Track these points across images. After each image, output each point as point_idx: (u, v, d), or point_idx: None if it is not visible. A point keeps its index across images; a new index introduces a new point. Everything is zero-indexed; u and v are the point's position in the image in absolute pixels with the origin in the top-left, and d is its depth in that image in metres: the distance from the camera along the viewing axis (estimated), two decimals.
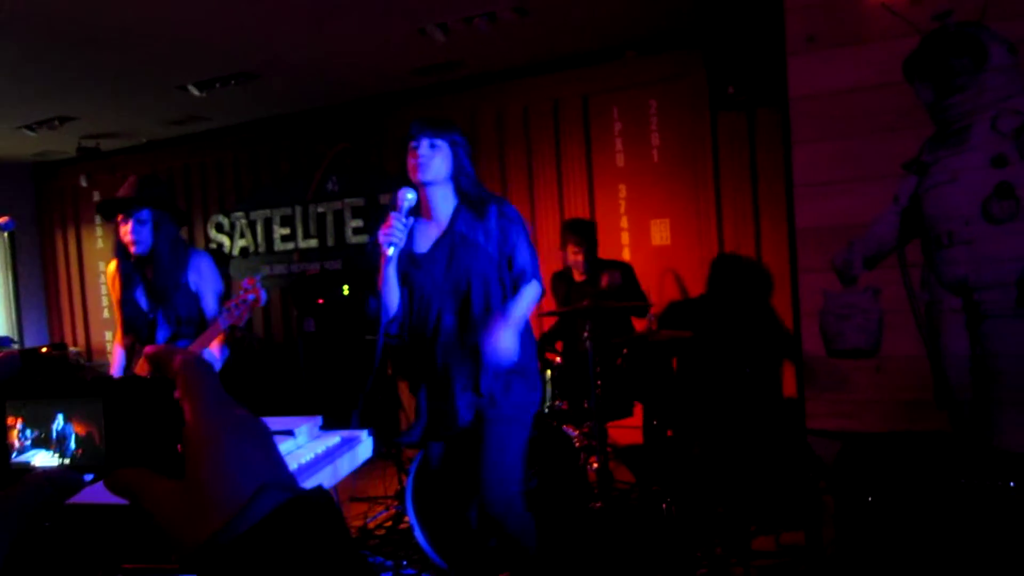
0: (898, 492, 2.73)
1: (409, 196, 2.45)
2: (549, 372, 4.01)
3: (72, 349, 8.04)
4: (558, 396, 4.05)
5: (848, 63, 3.03)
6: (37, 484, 0.51)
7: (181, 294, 3.10)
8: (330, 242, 6.96)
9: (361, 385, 2.49)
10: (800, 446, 3.20)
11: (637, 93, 5.65)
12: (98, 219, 8.11)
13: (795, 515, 3.66)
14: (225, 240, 7.43)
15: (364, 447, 2.47)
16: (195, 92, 5.76)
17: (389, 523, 4.16)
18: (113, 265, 3.20)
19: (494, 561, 3.22)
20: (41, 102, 5.96)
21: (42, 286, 8.59)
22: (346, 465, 2.30)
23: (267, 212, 7.24)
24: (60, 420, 0.54)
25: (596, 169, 5.84)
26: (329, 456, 2.25)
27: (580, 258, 4.62)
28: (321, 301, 6.03)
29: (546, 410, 3.95)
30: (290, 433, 2.22)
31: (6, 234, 3.24)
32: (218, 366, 3.05)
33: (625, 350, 4.32)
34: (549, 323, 5.12)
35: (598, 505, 3.81)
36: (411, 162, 2.55)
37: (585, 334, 3.83)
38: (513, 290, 2.61)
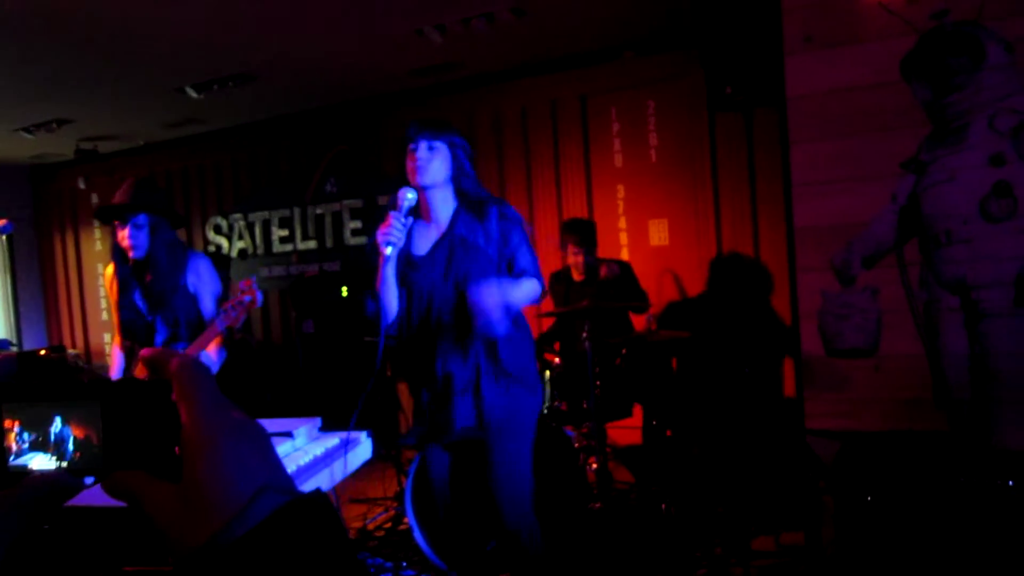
0: (897, 491, 2.73)
1: (409, 196, 2.43)
2: (548, 373, 4.01)
3: (71, 351, 8.03)
4: (557, 397, 4.05)
5: (845, 62, 3.04)
6: (35, 486, 0.51)
7: (179, 296, 3.10)
8: (329, 243, 6.96)
9: (360, 386, 2.47)
10: (799, 446, 3.20)
11: (635, 93, 5.65)
12: (96, 221, 8.11)
13: (794, 515, 3.66)
14: (223, 242, 7.43)
15: (363, 448, 2.47)
16: (193, 94, 5.76)
17: (388, 524, 4.16)
18: (111, 269, 3.21)
19: (493, 562, 3.22)
20: (39, 104, 5.96)
21: (40, 289, 8.59)
22: (345, 466, 2.30)
23: (265, 214, 7.24)
24: (58, 423, 0.54)
25: (594, 169, 5.84)
26: (328, 457, 2.25)
27: (580, 259, 4.62)
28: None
29: (545, 411, 3.95)
30: (289, 434, 2.22)
31: (4, 237, 3.25)
32: (215, 369, 3.05)
33: (624, 350, 4.32)
34: (548, 324, 5.12)
35: (597, 505, 3.81)
36: (410, 165, 2.53)
37: (584, 334, 3.83)
38: None
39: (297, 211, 7.09)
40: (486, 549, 3.28)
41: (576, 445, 3.92)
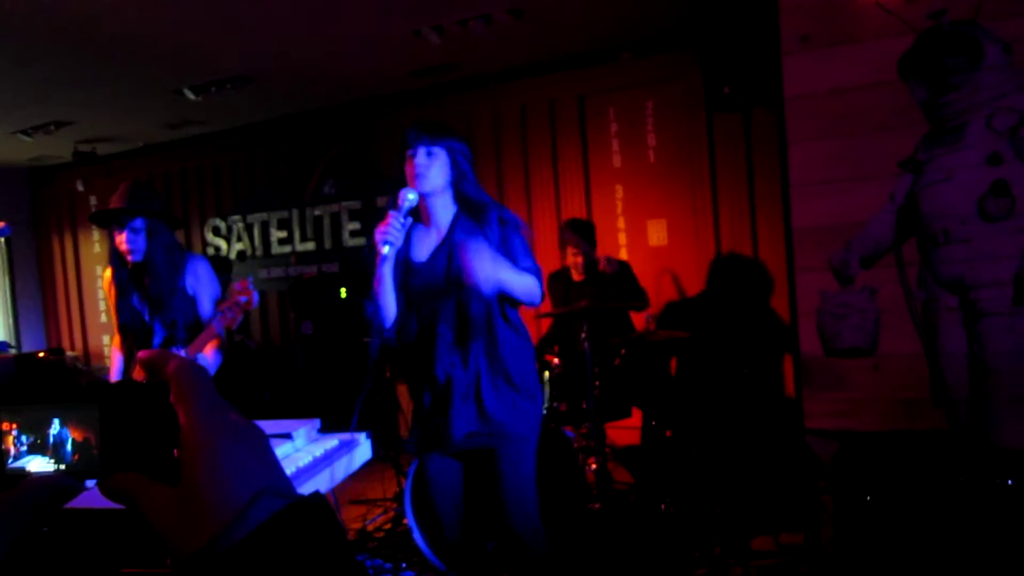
0: (896, 491, 2.73)
1: (410, 197, 2.42)
2: (547, 373, 4.01)
3: (69, 354, 8.03)
4: (556, 397, 4.05)
5: (843, 62, 3.04)
6: (34, 489, 0.51)
7: (178, 299, 3.10)
8: (327, 245, 6.96)
9: (359, 388, 2.46)
10: (798, 446, 3.20)
11: (633, 94, 5.66)
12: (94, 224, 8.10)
13: (794, 515, 3.66)
14: (222, 243, 7.43)
15: (362, 450, 2.47)
16: (191, 96, 5.76)
17: (388, 525, 4.16)
18: (109, 272, 3.21)
19: (493, 563, 3.22)
20: (37, 107, 5.96)
21: (39, 291, 8.58)
22: (345, 468, 2.30)
23: (264, 215, 7.24)
24: (56, 425, 0.54)
25: (593, 170, 5.85)
26: (327, 459, 2.25)
27: (580, 259, 4.63)
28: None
29: (544, 411, 3.95)
30: (288, 436, 2.22)
31: (2, 239, 3.25)
32: (212, 371, 3.04)
33: (623, 351, 4.32)
34: (546, 325, 5.12)
35: (597, 506, 3.81)
36: (409, 172, 2.51)
37: (583, 335, 3.82)
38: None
39: (295, 212, 7.09)
40: (486, 549, 3.28)
41: (575, 445, 3.93)
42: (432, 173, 2.48)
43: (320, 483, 2.12)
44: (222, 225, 7.44)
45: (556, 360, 4.13)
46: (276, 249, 7.20)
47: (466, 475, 2.73)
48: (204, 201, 7.57)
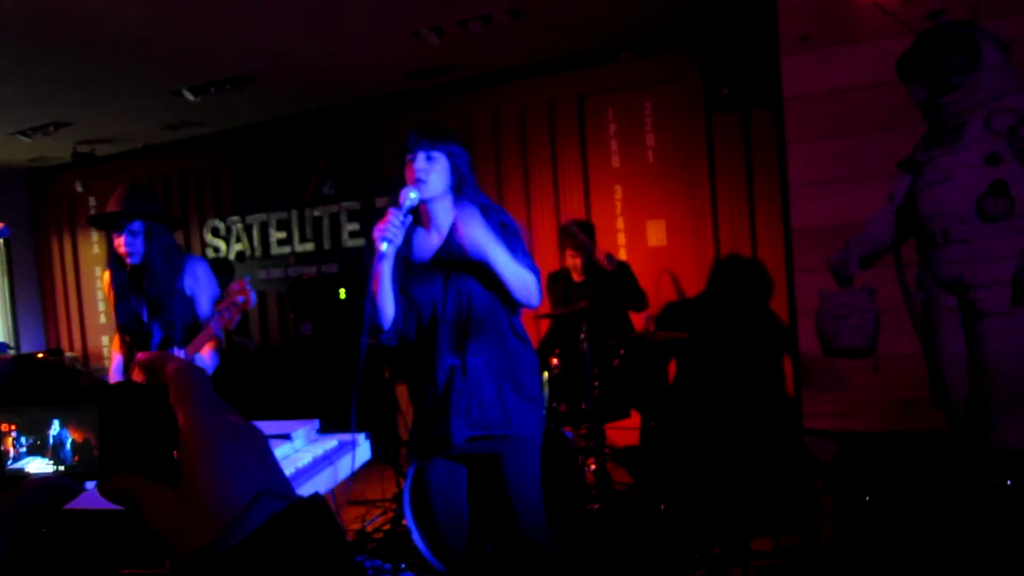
0: (895, 491, 2.73)
1: (412, 195, 2.41)
2: (546, 374, 4.01)
3: (68, 354, 8.03)
4: (556, 398, 4.05)
5: (841, 63, 3.04)
6: (34, 490, 0.51)
7: (176, 300, 3.10)
8: (326, 245, 6.96)
9: (359, 388, 2.46)
10: (797, 446, 3.20)
11: (632, 94, 5.66)
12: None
13: (793, 516, 3.66)
14: (221, 244, 7.43)
15: (362, 450, 2.47)
16: (190, 97, 5.76)
17: (387, 526, 4.16)
18: (108, 274, 3.21)
19: (492, 564, 3.22)
20: (36, 108, 5.96)
21: (38, 292, 8.58)
22: (344, 468, 2.30)
23: (263, 216, 7.23)
24: (56, 426, 0.54)
25: (592, 170, 5.85)
26: (327, 459, 2.25)
27: (579, 261, 4.63)
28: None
29: (544, 412, 3.94)
30: (287, 437, 2.22)
31: (1, 240, 3.25)
32: (209, 372, 3.04)
33: (622, 351, 4.32)
34: (544, 326, 5.12)
35: (596, 506, 3.81)
36: (409, 176, 2.51)
37: (582, 335, 3.82)
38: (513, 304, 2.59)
39: (295, 213, 7.09)
40: (486, 550, 3.28)
41: (575, 446, 3.93)
42: (432, 177, 2.48)
43: (319, 484, 2.12)
44: (221, 226, 7.44)
45: (555, 361, 4.13)
46: (275, 250, 7.20)
47: (466, 477, 2.73)
48: (203, 202, 7.56)
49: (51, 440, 0.54)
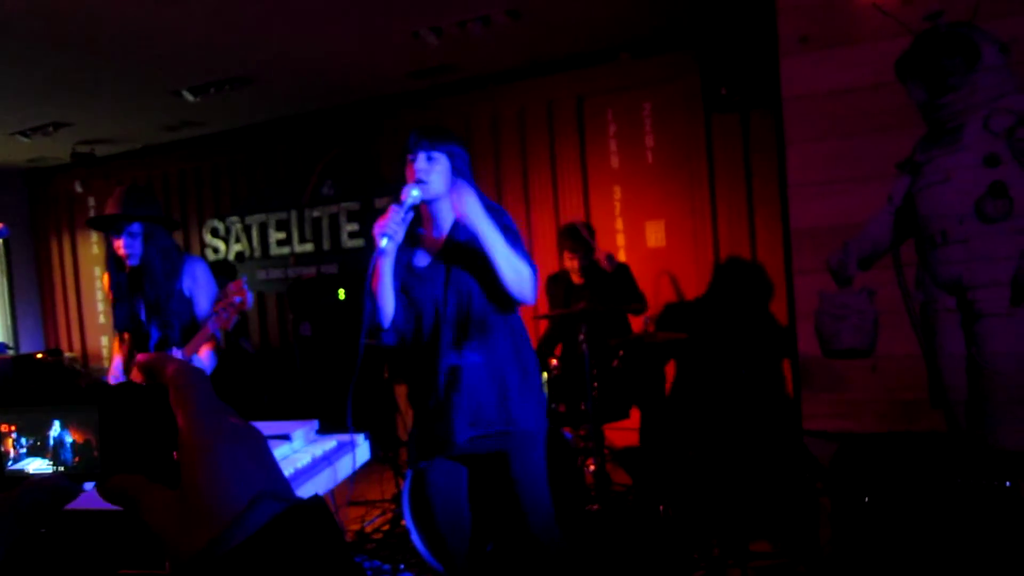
0: (894, 492, 2.74)
1: (414, 193, 2.41)
2: (546, 375, 4.01)
3: (67, 355, 8.03)
4: (555, 398, 4.05)
5: (841, 63, 3.05)
6: (34, 491, 0.51)
7: (175, 301, 3.11)
8: (326, 246, 6.96)
9: (358, 389, 2.46)
10: (797, 447, 3.20)
11: (631, 95, 5.66)
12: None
13: (792, 517, 3.66)
14: (220, 245, 7.43)
15: (361, 451, 2.47)
16: (189, 97, 5.76)
17: (387, 527, 4.16)
18: (108, 276, 3.22)
19: (491, 565, 3.22)
20: (35, 108, 5.96)
21: (37, 292, 8.58)
22: (343, 469, 2.30)
23: (263, 216, 7.23)
24: (57, 427, 0.54)
25: (591, 171, 5.85)
26: (326, 460, 2.25)
27: (576, 263, 4.63)
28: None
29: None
30: (286, 437, 2.22)
31: (1, 241, 3.25)
32: (207, 372, 3.04)
33: (621, 352, 4.32)
34: (544, 328, 5.12)
35: (595, 507, 3.81)
36: (410, 176, 2.51)
37: (581, 336, 3.83)
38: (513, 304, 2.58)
39: (294, 214, 7.09)
40: (485, 551, 3.28)
41: (574, 447, 3.93)
42: (433, 177, 2.48)
43: (318, 484, 2.12)
44: (220, 226, 7.43)
45: (554, 362, 4.13)
46: (275, 250, 7.20)
47: (465, 478, 2.73)
48: (202, 202, 7.56)
49: (51, 441, 0.54)
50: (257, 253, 7.28)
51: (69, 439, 0.53)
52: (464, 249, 2.51)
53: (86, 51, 4.79)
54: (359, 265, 6.65)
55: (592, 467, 3.96)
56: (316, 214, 6.98)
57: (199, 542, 0.46)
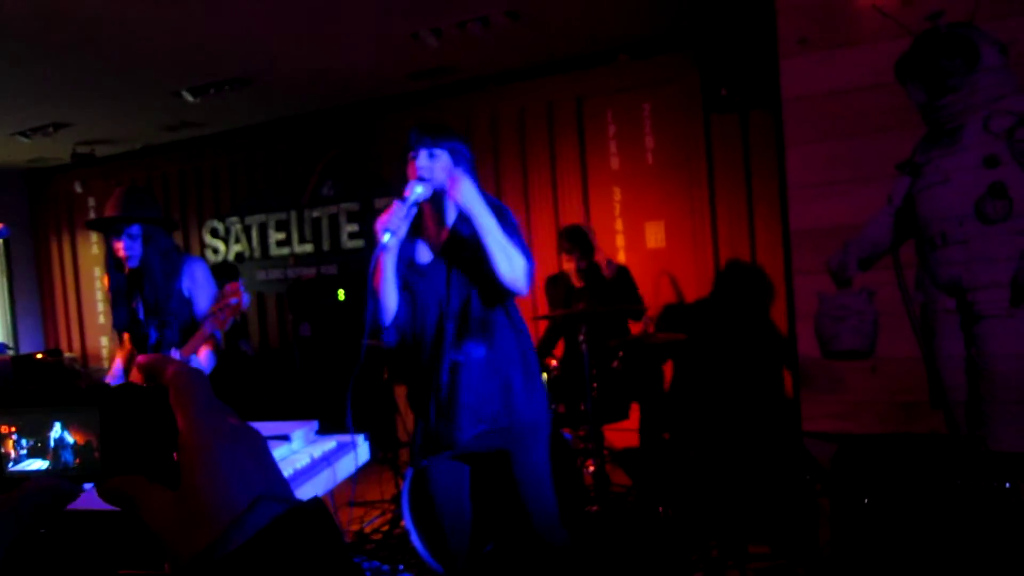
0: (894, 493, 2.74)
1: (418, 189, 2.40)
2: (545, 375, 4.01)
3: (67, 355, 8.02)
4: (554, 399, 4.05)
5: (840, 64, 3.05)
6: (34, 492, 0.51)
7: (175, 302, 3.11)
8: (325, 247, 6.96)
9: (357, 390, 2.45)
10: (796, 448, 3.20)
11: (631, 96, 5.66)
12: None
13: (791, 518, 3.66)
14: (220, 245, 7.43)
15: (360, 451, 2.47)
16: (189, 98, 5.76)
17: (386, 527, 4.16)
18: (107, 277, 3.22)
19: (491, 565, 3.22)
20: (35, 108, 5.96)
21: (37, 292, 8.57)
22: (342, 470, 2.30)
23: (262, 217, 7.23)
24: (57, 428, 0.54)
25: (591, 172, 5.85)
26: (325, 461, 2.25)
27: (573, 265, 4.63)
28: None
29: None
30: (286, 438, 2.22)
31: (1, 241, 3.25)
32: (205, 373, 3.04)
33: (621, 353, 4.32)
34: (543, 329, 5.12)
35: (595, 508, 3.81)
36: (411, 174, 2.50)
37: (581, 337, 3.83)
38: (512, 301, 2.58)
39: (294, 214, 7.09)
40: (484, 551, 3.28)
41: (573, 448, 3.92)
42: (435, 174, 2.47)
43: (318, 485, 2.12)
44: (220, 227, 7.43)
45: (554, 362, 4.13)
46: (274, 251, 7.20)
47: (465, 478, 2.73)
48: (202, 203, 7.56)
49: (52, 442, 0.54)
50: (257, 254, 7.28)
51: (70, 440, 0.53)
52: (467, 245, 2.50)
53: (86, 51, 4.79)
54: (359, 266, 6.65)
55: (591, 468, 3.96)
56: (316, 215, 6.98)
57: (199, 544, 0.46)
